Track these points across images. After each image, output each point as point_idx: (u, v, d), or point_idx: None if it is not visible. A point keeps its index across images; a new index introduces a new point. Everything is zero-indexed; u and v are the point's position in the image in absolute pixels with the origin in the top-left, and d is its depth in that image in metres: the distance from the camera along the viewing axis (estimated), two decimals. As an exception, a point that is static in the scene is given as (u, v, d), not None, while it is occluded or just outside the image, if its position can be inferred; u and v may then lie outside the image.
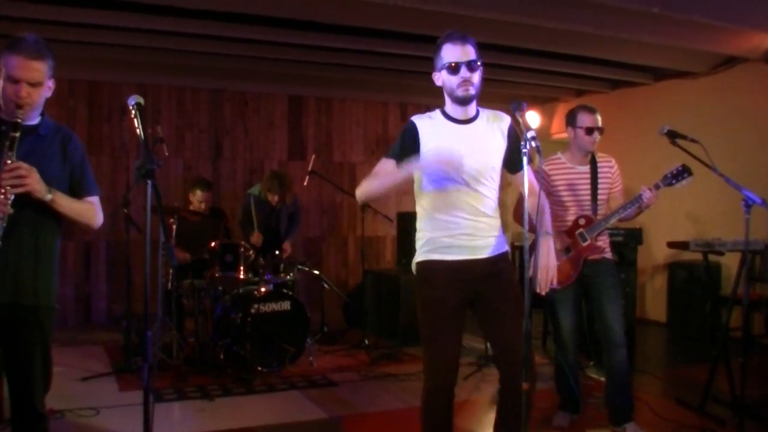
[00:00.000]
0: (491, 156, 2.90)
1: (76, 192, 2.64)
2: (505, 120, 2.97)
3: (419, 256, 2.96)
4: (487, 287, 2.88)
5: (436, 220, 2.88)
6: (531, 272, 2.81)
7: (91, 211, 2.68)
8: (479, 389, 4.89)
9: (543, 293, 2.90)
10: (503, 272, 2.93)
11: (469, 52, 2.79)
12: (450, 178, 2.79)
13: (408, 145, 2.85)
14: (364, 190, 2.94)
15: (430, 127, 2.87)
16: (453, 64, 2.78)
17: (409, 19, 5.25)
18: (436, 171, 2.77)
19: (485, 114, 2.94)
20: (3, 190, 2.34)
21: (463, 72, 2.77)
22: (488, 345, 5.05)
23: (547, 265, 2.89)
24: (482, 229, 2.88)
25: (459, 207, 2.84)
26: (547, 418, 4.14)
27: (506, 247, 2.99)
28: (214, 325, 5.36)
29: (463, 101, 2.83)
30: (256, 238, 6.11)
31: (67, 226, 2.68)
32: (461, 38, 2.81)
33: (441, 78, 2.86)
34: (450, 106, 2.90)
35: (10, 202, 2.35)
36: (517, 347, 2.79)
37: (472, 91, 2.80)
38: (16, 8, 4.97)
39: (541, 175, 3.81)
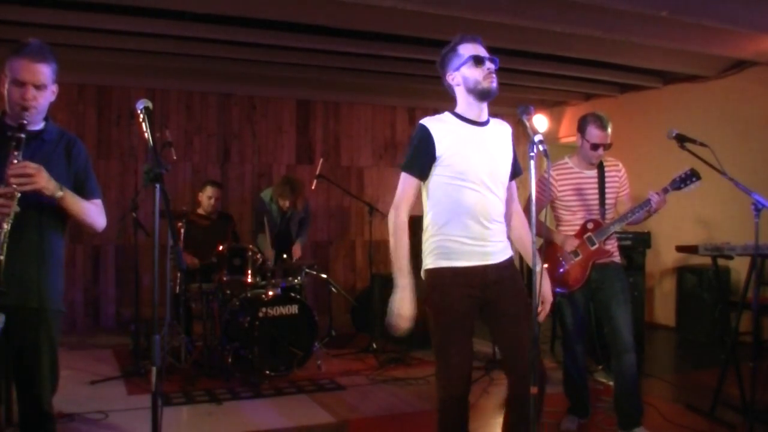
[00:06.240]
0: (503, 162, 2.90)
1: (80, 196, 2.66)
2: (509, 128, 2.99)
3: (429, 264, 2.92)
4: (496, 292, 2.85)
5: (447, 226, 2.85)
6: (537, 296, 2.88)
7: (96, 212, 2.70)
8: (487, 393, 4.88)
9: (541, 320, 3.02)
10: (511, 277, 2.91)
11: (484, 51, 2.82)
12: (465, 183, 2.79)
13: (423, 152, 2.80)
14: (391, 242, 3.01)
15: (443, 128, 2.81)
16: (478, 57, 2.77)
17: (418, 23, 5.25)
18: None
19: (493, 121, 2.94)
20: (10, 188, 2.36)
21: (488, 64, 2.78)
22: (496, 349, 5.06)
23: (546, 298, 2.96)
24: (492, 234, 2.85)
25: (471, 213, 2.80)
26: (555, 422, 4.12)
27: (512, 252, 2.97)
28: (222, 328, 5.37)
29: (486, 95, 2.80)
30: (269, 254, 6.00)
31: (76, 229, 2.70)
32: (475, 38, 2.84)
33: (461, 75, 2.81)
34: (465, 106, 2.85)
35: (16, 200, 2.37)
36: (526, 352, 2.77)
37: (495, 84, 2.79)
38: (25, 13, 5.00)
39: (546, 184, 3.81)
